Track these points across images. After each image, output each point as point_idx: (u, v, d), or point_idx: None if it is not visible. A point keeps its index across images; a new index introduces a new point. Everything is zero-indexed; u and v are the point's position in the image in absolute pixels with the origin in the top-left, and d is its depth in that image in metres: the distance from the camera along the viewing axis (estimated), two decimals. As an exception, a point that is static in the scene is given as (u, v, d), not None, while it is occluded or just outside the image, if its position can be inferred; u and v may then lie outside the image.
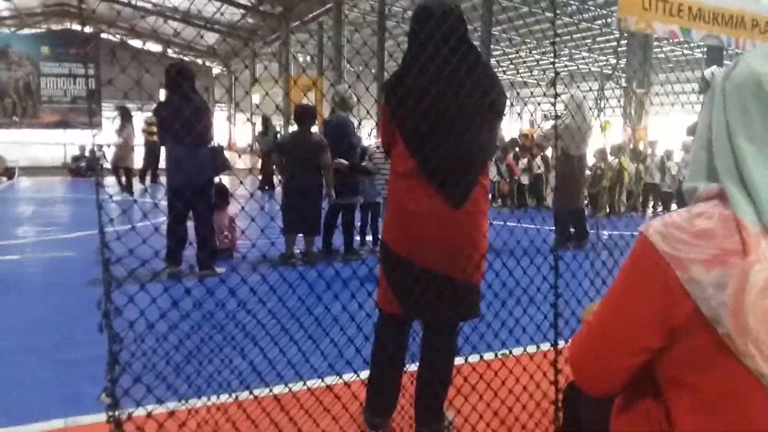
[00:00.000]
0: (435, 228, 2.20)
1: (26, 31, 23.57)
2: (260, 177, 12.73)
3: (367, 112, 2.42)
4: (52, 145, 20.76)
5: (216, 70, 29.55)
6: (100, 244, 1.81)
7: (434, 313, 2.28)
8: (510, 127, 20.71)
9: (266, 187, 12.45)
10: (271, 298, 2.07)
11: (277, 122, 15.65)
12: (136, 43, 25.97)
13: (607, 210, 11.15)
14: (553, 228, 6.64)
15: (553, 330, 2.30)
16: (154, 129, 12.12)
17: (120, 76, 2.16)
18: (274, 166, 6.24)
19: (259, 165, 13.58)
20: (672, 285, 0.97)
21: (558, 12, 14.48)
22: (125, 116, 11.55)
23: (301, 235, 5.90)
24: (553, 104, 2.47)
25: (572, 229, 7.05)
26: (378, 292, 2.38)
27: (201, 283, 3.98)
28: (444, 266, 2.22)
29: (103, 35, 25.71)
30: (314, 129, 5.96)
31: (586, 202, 9.84)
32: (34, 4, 23.71)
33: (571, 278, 2.50)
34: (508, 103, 2.39)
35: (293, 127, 6.05)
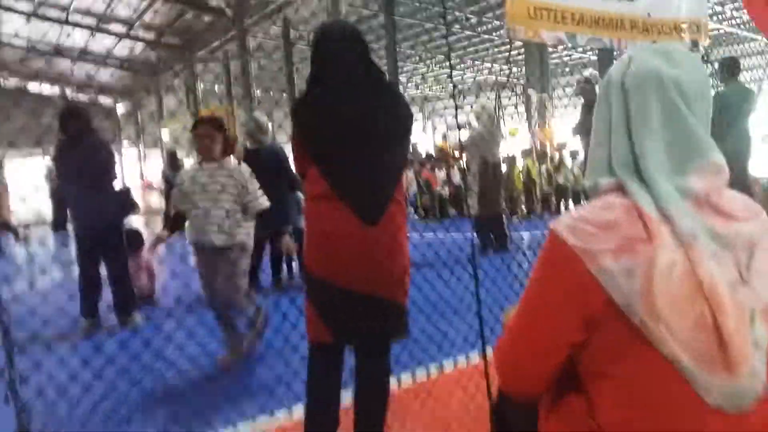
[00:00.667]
0: (353, 247, 2.18)
1: None
2: (167, 216, 12.10)
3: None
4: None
5: (122, 107, 28.46)
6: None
7: (363, 335, 2.25)
8: (424, 141, 21.11)
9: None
10: (202, 343, 1.98)
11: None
12: (32, 86, 24.69)
13: (524, 212, 11.55)
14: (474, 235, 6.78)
15: (481, 340, 2.33)
16: None
17: (18, 123, 2.02)
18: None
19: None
20: (584, 277, 0.99)
21: (450, 27, 14.95)
22: None
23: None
24: (455, 116, 2.53)
25: (491, 234, 7.23)
26: (306, 322, 2.33)
27: (127, 333, 3.74)
28: (366, 286, 2.20)
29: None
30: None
31: (504, 206, 10.18)
32: None
33: (492, 285, 2.54)
34: (420, 117, 2.42)
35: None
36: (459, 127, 2.94)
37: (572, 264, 1.01)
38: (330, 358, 2.33)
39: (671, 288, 0.95)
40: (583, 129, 5.96)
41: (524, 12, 2.80)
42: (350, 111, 2.18)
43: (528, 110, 12.10)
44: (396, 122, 2.27)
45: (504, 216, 7.44)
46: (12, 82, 24.40)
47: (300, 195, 5.59)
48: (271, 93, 20.48)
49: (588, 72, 6.00)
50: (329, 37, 2.26)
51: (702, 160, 1.02)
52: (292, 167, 5.60)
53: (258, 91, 17.98)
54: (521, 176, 11.73)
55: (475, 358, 2.49)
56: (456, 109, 2.50)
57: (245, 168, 3.73)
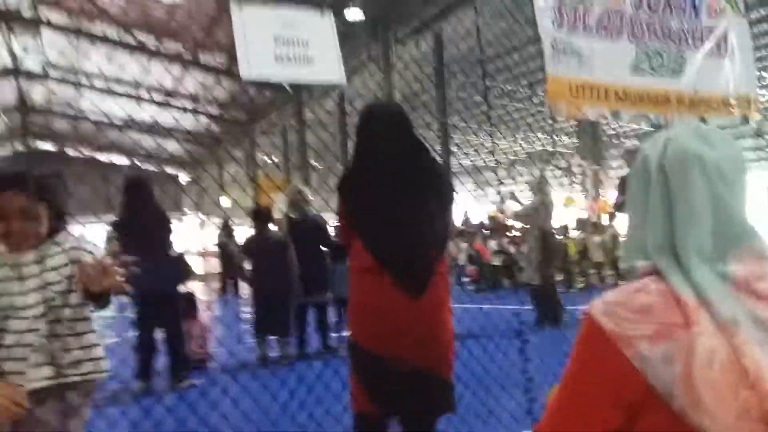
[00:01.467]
0: (398, 320, 2.19)
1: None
2: (224, 281, 12.32)
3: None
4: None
5: (185, 178, 29.80)
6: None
7: (407, 409, 2.23)
8: (478, 211, 21.10)
9: (233, 291, 12.11)
10: (251, 409, 1.99)
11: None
12: (102, 157, 26.27)
13: (580, 284, 11.25)
14: (529, 308, 6.63)
15: (529, 417, 2.26)
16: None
17: (87, 191, 2.17)
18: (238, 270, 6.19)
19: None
20: (622, 363, 0.97)
21: (488, 98, 15.17)
22: None
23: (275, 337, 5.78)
24: (498, 188, 2.54)
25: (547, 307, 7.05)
26: (351, 392, 2.32)
27: (180, 397, 3.79)
28: (411, 359, 2.19)
29: (69, 151, 26.01)
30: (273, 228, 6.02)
31: (558, 277, 9.96)
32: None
33: (542, 360, 2.48)
34: (472, 187, 2.47)
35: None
36: (506, 196, 2.95)
37: (609, 350, 0.99)
38: (374, 429, 2.30)
39: (712, 376, 0.92)
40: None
41: (565, 90, 2.84)
42: (392, 184, 2.25)
43: (582, 181, 12.01)
44: (438, 195, 2.32)
45: (556, 288, 7.29)
46: (85, 153, 26.02)
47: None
48: (323, 164, 21.08)
49: (632, 143, 5.93)
50: (373, 116, 2.37)
51: (743, 245, 1.00)
52: (334, 237, 5.71)
53: (315, 162, 18.54)
54: (575, 247, 11.50)
55: (524, 436, 2.40)
56: (496, 172, 2.51)
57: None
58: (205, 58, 16.35)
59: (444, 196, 2.35)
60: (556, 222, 8.88)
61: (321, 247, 5.98)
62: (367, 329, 2.26)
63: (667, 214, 1.04)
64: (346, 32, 13.99)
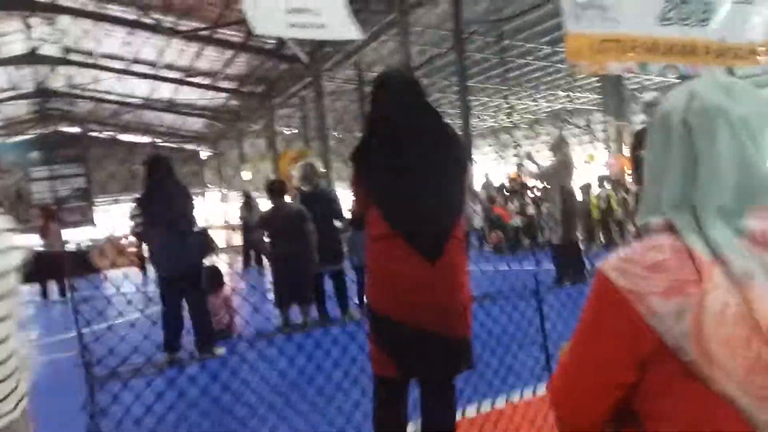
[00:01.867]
0: (415, 285, 2.22)
1: (15, 138, 24.15)
2: (246, 254, 12.42)
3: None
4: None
5: (205, 153, 30.05)
6: (79, 345, 1.82)
7: (428, 371, 2.27)
8: (498, 172, 20.96)
9: (256, 264, 12.21)
10: (273, 374, 2.05)
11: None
12: (123, 137, 26.57)
13: (602, 241, 11.17)
14: (548, 267, 6.63)
15: (547, 373, 2.28)
16: None
17: (110, 170, 2.21)
18: (257, 242, 6.31)
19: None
20: (635, 319, 0.97)
21: (505, 57, 14.82)
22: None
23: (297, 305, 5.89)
24: (516, 146, 2.53)
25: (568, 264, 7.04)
26: (370, 356, 2.37)
27: (202, 367, 3.91)
28: (428, 322, 2.22)
29: (91, 133, 26.36)
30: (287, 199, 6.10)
31: (580, 235, 9.90)
32: (22, 112, 24.36)
33: (560, 319, 2.49)
34: (491, 149, 2.46)
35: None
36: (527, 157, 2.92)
37: (621, 305, 0.99)
38: (395, 392, 2.36)
39: (724, 330, 0.91)
40: None
41: (587, 46, 2.77)
42: (407, 152, 2.25)
43: (606, 137, 11.81)
44: (452, 161, 2.32)
45: (580, 245, 7.27)
46: (106, 134, 26.35)
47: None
48: (343, 132, 21.02)
49: (651, 95, 5.77)
50: (385, 85, 2.37)
51: (763, 200, 0.98)
52: (344, 208, 5.78)
53: (335, 133, 18.54)
54: (599, 204, 11.38)
55: (542, 390, 2.43)
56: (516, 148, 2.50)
57: None
58: (221, 33, 16.31)
59: (458, 161, 2.36)
60: (577, 180, 8.80)
61: (333, 219, 6.08)
62: (385, 295, 2.29)
63: (687, 170, 1.02)
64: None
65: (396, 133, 2.28)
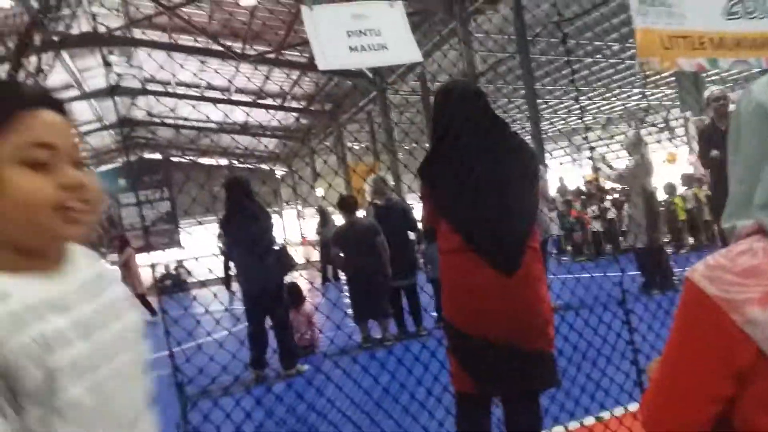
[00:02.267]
0: (492, 299, 2.19)
1: (103, 168, 25.78)
2: (324, 270, 12.58)
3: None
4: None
5: (280, 171, 30.95)
6: (171, 366, 1.91)
7: (508, 386, 2.23)
8: (572, 177, 20.38)
9: (334, 279, 12.34)
10: (357, 390, 2.08)
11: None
12: (202, 160, 27.77)
13: (691, 244, 10.63)
14: (634, 273, 6.37)
15: (638, 389, 2.19)
16: None
17: (192, 194, 2.32)
18: (333, 258, 6.42)
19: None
20: (729, 329, 0.93)
21: (571, 55, 14.39)
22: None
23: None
24: (591, 148, 2.45)
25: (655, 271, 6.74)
26: (451, 372, 2.35)
27: (288, 385, 3.99)
28: (509, 336, 2.19)
29: (172, 158, 27.73)
30: (361, 214, 6.17)
31: (665, 239, 9.45)
32: (107, 142, 25.98)
33: (648, 329, 2.38)
34: (563, 153, 2.41)
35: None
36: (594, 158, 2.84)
37: (714, 316, 0.94)
38: (476, 408, 2.33)
39: None
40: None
41: (657, 42, 2.68)
42: (475, 164, 2.23)
43: (686, 135, 11.27)
44: (522, 170, 2.28)
45: (667, 250, 6.96)
46: (186, 159, 27.63)
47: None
48: (414, 145, 21.07)
49: (716, 89, 5.41)
50: (450, 97, 2.35)
51: None
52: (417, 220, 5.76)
53: (403, 145, 18.63)
54: (685, 205, 10.83)
55: (633, 407, 2.32)
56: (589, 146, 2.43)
57: None
58: (287, 55, 16.82)
59: (528, 169, 2.31)
60: (659, 180, 8.41)
61: (407, 231, 6.10)
62: (462, 309, 2.27)
63: (759, 164, 0.97)
64: (424, 11, 13.89)
65: (462, 145, 2.26)
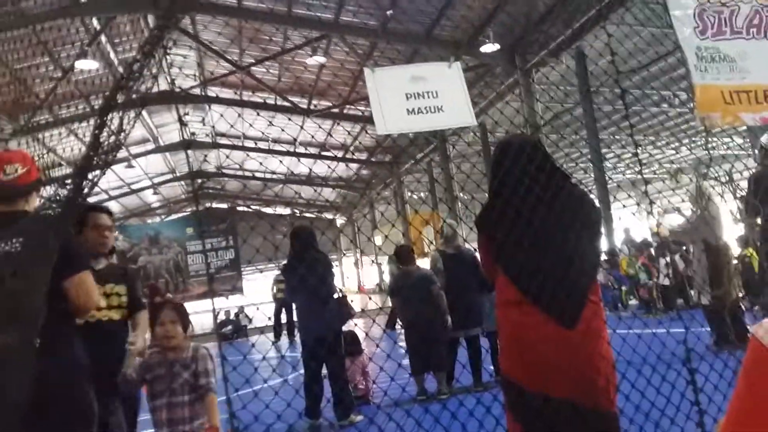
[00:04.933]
0: (552, 353, 2.16)
1: (173, 216, 26.97)
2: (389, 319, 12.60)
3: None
4: (201, 313, 22.62)
5: (340, 221, 31.46)
6: (229, 413, 1.97)
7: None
8: (639, 227, 19.76)
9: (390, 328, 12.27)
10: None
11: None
12: (267, 209, 28.63)
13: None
14: (701, 329, 6.07)
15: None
16: (282, 287, 12.86)
17: (257, 241, 2.45)
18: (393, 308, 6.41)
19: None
20: None
21: (631, 106, 14.19)
22: None
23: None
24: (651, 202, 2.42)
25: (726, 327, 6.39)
26: (508, 426, 2.31)
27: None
28: (568, 392, 2.14)
29: (238, 207, 28.73)
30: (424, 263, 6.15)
31: (741, 294, 8.96)
32: (179, 192, 27.21)
33: (716, 389, 2.28)
34: (633, 202, 2.40)
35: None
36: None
37: None
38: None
39: None
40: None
41: (717, 98, 2.66)
42: (533, 216, 2.24)
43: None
44: (582, 222, 2.27)
45: (741, 305, 6.60)
46: (252, 208, 28.60)
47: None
48: (472, 196, 21.05)
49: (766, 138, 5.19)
50: (507, 151, 2.39)
51: None
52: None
53: (462, 194, 18.66)
54: (758, 258, 10.29)
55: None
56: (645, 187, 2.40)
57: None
58: (350, 109, 17.36)
59: (588, 221, 2.30)
60: (730, 233, 8.05)
61: (476, 281, 5.99)
62: (520, 363, 2.24)
63: None
64: (485, 64, 14.11)
65: (520, 196, 2.28)
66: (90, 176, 2.20)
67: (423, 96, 2.60)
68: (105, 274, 2.93)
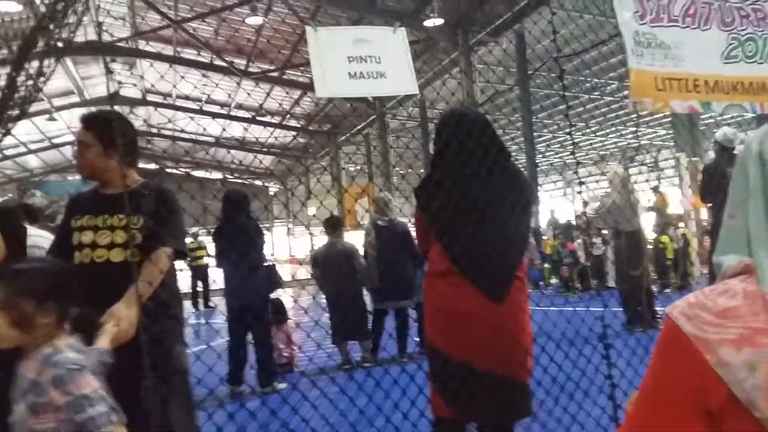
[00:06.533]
0: (477, 324, 2.19)
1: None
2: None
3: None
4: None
5: (273, 188, 30.98)
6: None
7: (486, 414, 2.22)
8: (566, 210, 20.51)
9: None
10: (330, 413, 2.06)
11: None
12: (196, 173, 27.77)
13: (679, 283, 10.67)
14: (616, 309, 6.38)
15: (614, 424, 2.19)
16: (201, 254, 12.40)
17: (188, 206, 2.34)
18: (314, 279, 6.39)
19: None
20: (703, 368, 0.93)
21: (568, 93, 14.65)
22: None
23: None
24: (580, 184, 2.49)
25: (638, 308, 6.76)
26: (430, 396, 2.34)
27: (263, 403, 3.96)
28: (492, 364, 2.19)
29: (166, 169, 27.73)
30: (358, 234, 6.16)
31: (653, 277, 9.46)
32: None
33: (627, 366, 2.39)
34: (556, 186, 2.44)
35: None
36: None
37: (689, 354, 0.95)
38: (453, 432, 2.31)
39: None
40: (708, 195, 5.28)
41: (650, 83, 2.73)
42: (471, 190, 2.25)
43: (678, 174, 11.39)
44: (517, 199, 2.30)
45: (652, 288, 6.96)
46: (180, 170, 27.66)
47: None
48: (410, 170, 21.19)
49: (722, 133, 5.46)
50: (450, 123, 2.38)
51: None
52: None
53: (398, 169, 18.75)
54: (673, 244, 10.91)
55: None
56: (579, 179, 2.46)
57: None
58: (289, 75, 16.97)
59: (522, 199, 2.33)
60: (648, 220, 8.47)
61: (407, 253, 6.05)
62: (446, 334, 2.27)
63: (763, 207, 0.99)
64: (428, 39, 14.08)
65: (459, 170, 2.29)
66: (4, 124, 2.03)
67: (366, 60, 2.54)
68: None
